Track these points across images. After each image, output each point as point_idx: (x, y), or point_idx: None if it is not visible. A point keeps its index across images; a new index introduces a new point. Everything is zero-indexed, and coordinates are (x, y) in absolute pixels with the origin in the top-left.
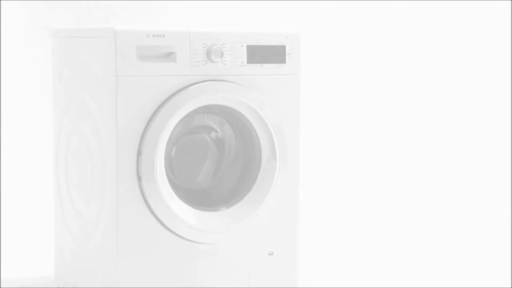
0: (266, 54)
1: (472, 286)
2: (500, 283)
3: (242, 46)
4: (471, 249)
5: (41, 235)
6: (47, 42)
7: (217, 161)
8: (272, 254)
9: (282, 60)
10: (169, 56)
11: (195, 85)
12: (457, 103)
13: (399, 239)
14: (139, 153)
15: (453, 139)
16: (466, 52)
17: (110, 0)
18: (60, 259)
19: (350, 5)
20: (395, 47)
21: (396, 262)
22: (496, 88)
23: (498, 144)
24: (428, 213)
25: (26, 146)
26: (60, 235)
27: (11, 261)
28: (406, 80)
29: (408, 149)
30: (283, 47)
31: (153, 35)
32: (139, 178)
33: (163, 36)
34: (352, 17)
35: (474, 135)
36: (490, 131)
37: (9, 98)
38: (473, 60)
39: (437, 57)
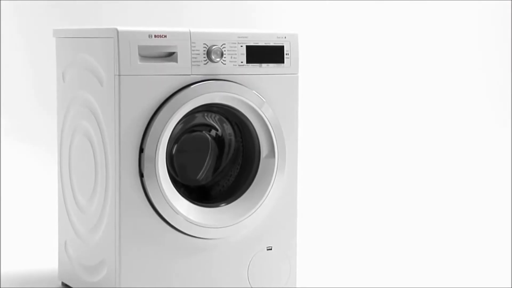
0: (265, 54)
1: (472, 286)
2: (500, 283)
3: (241, 46)
4: (471, 249)
5: (45, 231)
6: (51, 42)
7: (217, 158)
8: (271, 249)
9: (281, 60)
10: (170, 56)
11: (195, 84)
12: (456, 101)
13: (398, 236)
14: (141, 150)
15: (452, 136)
16: (464, 51)
17: (113, 1)
18: (63, 254)
19: (347, 6)
20: (391, 47)
21: (396, 261)
22: (495, 88)
23: (497, 144)
24: (427, 212)
25: (30, 144)
26: (63, 231)
27: (15, 256)
28: (402, 80)
29: (403, 145)
30: (282, 48)
31: (155, 36)
32: (141, 175)
33: (165, 36)
34: (349, 18)
35: (473, 134)
36: (489, 131)
37: (17, 96)
38: (472, 59)
39: (433, 56)
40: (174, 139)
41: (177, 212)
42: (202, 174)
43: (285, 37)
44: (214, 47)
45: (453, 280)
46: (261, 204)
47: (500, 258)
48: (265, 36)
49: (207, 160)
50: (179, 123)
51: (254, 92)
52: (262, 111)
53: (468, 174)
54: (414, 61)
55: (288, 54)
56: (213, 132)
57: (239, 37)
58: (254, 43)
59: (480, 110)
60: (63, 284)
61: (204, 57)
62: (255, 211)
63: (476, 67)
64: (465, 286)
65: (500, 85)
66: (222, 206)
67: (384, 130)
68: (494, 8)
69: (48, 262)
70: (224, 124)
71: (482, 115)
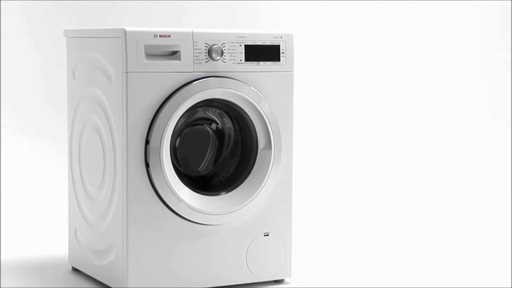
0: (262, 53)
1: (472, 286)
2: (500, 283)
3: (240, 45)
4: (471, 249)
5: (56, 219)
6: (62, 41)
7: (218, 150)
8: (268, 235)
9: (277, 58)
10: (174, 54)
11: (197, 81)
12: (453, 99)
13: (390, 225)
14: (147, 142)
15: (448, 132)
16: (464, 51)
17: (114, 1)
18: (73, 240)
19: (341, 6)
20: (385, 46)
21: (389, 250)
22: (495, 87)
23: (497, 144)
24: (421, 200)
25: (40, 138)
26: (73, 219)
27: (28, 243)
28: (397, 76)
29: (395, 139)
30: (278, 47)
31: (160, 35)
32: (147, 165)
33: (169, 36)
34: (343, 18)
35: (472, 133)
36: (489, 130)
37: (28, 94)
38: (472, 59)
39: (430, 55)
40: (178, 132)
41: (180, 200)
42: (204, 165)
43: (281, 37)
44: (214, 46)
45: (453, 280)
46: (258, 193)
47: (500, 258)
48: (262, 36)
49: (208, 152)
50: (182, 117)
51: (252, 88)
52: (259, 106)
53: (466, 172)
54: (409, 59)
55: (284, 53)
56: (213, 126)
57: (238, 37)
58: (252, 42)
59: (480, 109)
60: (73, 268)
61: (206, 56)
62: (253, 199)
63: (476, 67)
64: (465, 286)
65: (500, 84)
66: (222, 194)
67: (377, 125)
68: (494, 8)
69: (59, 248)
70: (224, 118)
71: (481, 114)
